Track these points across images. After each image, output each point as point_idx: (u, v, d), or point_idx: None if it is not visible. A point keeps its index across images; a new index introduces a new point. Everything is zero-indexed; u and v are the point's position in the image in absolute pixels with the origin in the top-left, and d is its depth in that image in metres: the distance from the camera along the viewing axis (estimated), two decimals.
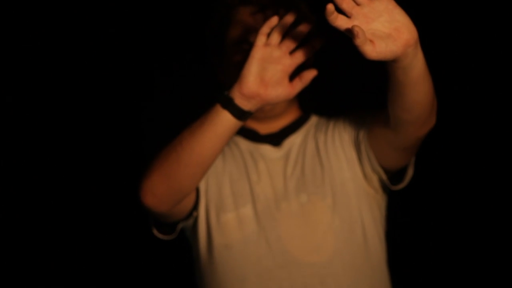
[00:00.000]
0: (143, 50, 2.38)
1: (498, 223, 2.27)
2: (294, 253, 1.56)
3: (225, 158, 1.65)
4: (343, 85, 2.19)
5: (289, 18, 1.37)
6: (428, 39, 1.29)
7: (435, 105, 1.37)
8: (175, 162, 1.43)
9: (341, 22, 1.10)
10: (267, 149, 1.65)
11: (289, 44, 1.38)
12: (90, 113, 2.40)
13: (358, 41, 1.08)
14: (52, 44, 2.35)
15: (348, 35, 1.10)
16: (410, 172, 1.58)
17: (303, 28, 1.38)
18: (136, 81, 2.39)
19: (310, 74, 1.40)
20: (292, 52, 1.39)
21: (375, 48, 1.11)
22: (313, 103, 1.70)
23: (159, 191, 1.46)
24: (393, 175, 1.60)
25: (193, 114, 1.44)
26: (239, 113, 1.38)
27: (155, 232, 1.64)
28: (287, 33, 1.38)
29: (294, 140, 1.66)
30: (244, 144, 1.67)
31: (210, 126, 1.40)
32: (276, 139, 1.66)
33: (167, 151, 1.45)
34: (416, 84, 1.24)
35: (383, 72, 1.26)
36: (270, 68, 1.38)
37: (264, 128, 1.67)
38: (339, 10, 1.12)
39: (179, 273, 2.19)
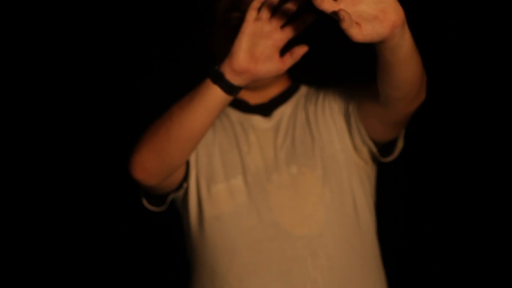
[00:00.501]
0: (138, 29, 2.41)
1: (488, 197, 2.31)
2: (285, 225, 1.60)
3: (215, 129, 1.68)
4: (332, 55, 2.20)
5: None
6: (415, 19, 1.32)
7: (425, 81, 1.41)
8: (164, 137, 1.47)
9: (327, 6, 1.11)
10: (257, 120, 1.69)
11: (280, 19, 1.40)
12: (83, 93, 2.44)
13: (344, 25, 1.10)
14: (39, 29, 2.39)
15: (334, 18, 1.12)
16: (400, 145, 1.62)
17: (294, 2, 1.38)
18: (132, 60, 2.42)
19: (301, 50, 1.42)
20: (283, 27, 1.41)
21: (362, 31, 1.13)
22: (302, 73, 1.72)
23: (149, 165, 1.51)
24: (383, 147, 1.64)
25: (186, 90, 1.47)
26: (229, 88, 1.42)
27: (145, 203, 1.68)
28: (278, 8, 1.40)
29: (284, 111, 1.70)
30: (234, 114, 1.70)
31: (200, 101, 1.44)
32: (266, 109, 1.70)
33: (156, 126, 1.49)
34: (404, 63, 1.28)
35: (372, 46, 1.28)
36: (261, 43, 1.40)
37: (254, 98, 1.71)
38: None
39: (170, 245, 2.23)
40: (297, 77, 1.75)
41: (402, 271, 2.22)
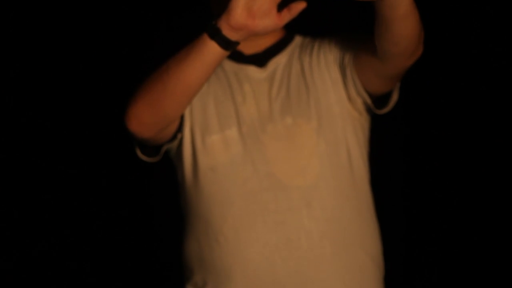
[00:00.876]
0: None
1: (484, 151, 2.36)
2: (280, 176, 1.62)
3: (209, 79, 1.66)
4: (330, 10, 2.20)
5: None
6: None
7: (422, 36, 1.43)
8: (161, 90, 1.49)
9: None
10: (252, 70, 1.70)
11: None
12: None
13: None
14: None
15: None
16: (395, 97, 1.65)
17: None
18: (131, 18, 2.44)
19: (299, 6, 1.41)
20: None
21: None
22: (296, 23, 1.74)
23: (144, 118, 1.53)
24: (378, 99, 1.66)
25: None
26: (226, 44, 1.43)
27: (139, 153, 1.70)
28: None
29: (279, 61, 1.70)
30: (228, 65, 1.71)
31: (197, 56, 1.45)
32: (260, 59, 1.71)
33: (153, 80, 1.51)
34: (403, 19, 1.30)
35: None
36: None
37: (249, 48, 1.71)
38: None
39: (164, 196, 2.27)
40: (291, 27, 1.74)
41: (399, 227, 2.27)
